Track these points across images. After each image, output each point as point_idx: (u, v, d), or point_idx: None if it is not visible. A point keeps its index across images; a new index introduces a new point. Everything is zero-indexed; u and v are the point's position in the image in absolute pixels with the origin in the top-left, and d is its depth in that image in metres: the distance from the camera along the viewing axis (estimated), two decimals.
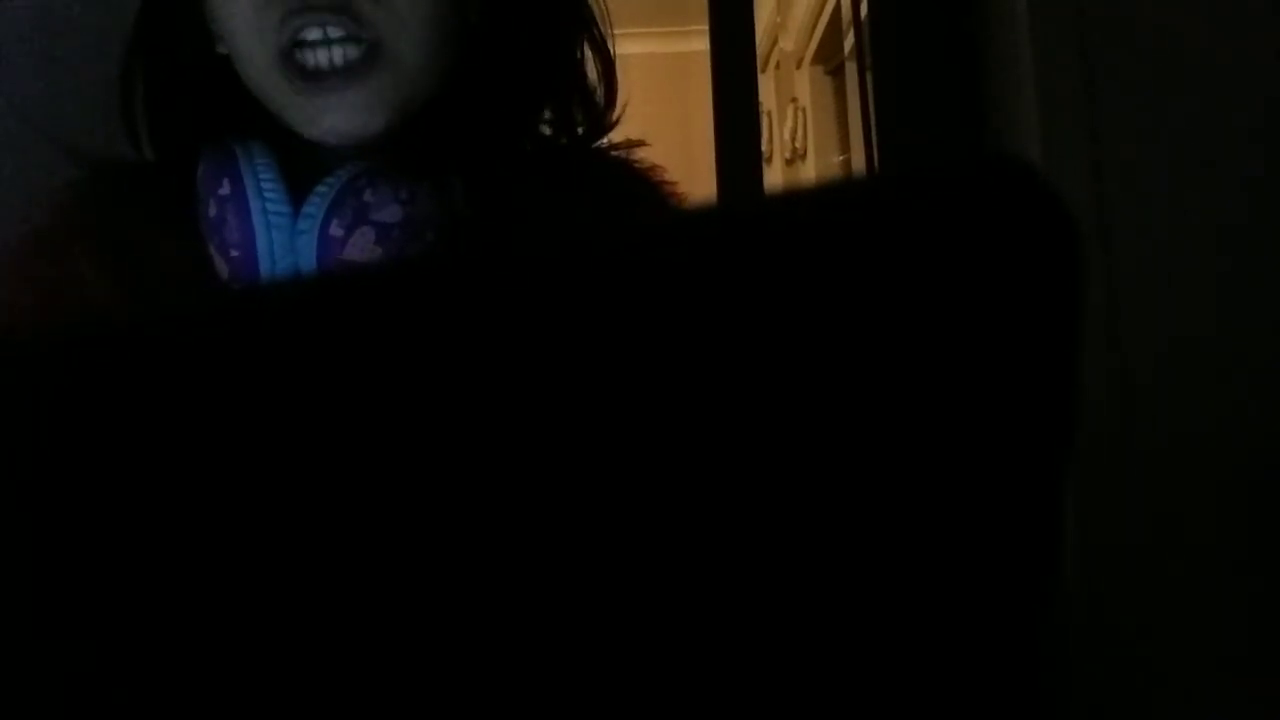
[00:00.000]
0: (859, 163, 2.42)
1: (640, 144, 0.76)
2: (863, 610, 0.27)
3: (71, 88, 1.04)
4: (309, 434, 0.23)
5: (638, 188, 0.74)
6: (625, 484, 0.24)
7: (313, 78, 0.63)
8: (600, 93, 0.73)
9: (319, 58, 0.63)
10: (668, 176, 0.75)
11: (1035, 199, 0.27)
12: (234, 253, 0.63)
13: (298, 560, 0.23)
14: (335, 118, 0.64)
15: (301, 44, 0.63)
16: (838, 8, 2.69)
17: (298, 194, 0.65)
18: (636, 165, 0.74)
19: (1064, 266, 0.27)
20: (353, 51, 0.63)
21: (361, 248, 0.62)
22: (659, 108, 4.38)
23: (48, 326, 0.25)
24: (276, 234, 0.63)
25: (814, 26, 3.06)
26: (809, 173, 3.36)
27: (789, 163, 3.48)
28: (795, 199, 0.29)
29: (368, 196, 0.63)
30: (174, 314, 0.24)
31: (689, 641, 0.25)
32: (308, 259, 0.63)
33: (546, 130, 0.73)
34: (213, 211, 0.64)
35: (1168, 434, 1.09)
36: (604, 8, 0.74)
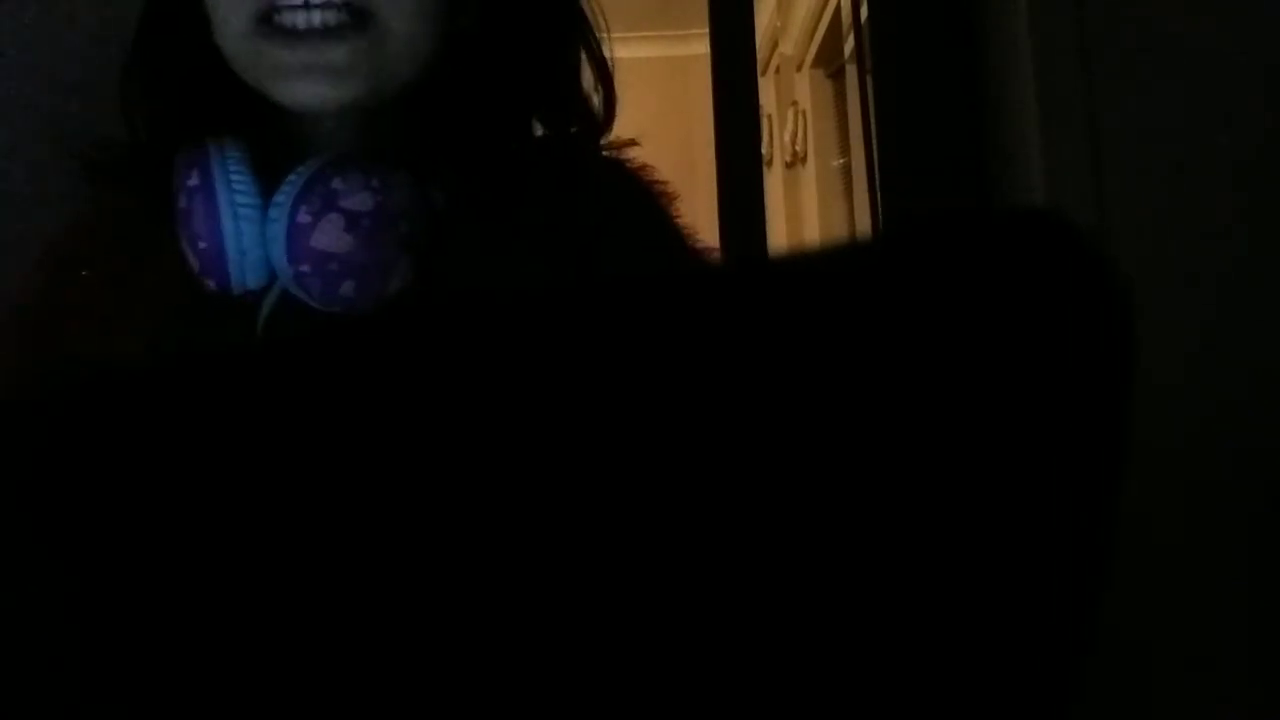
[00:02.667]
0: (859, 166, 2.42)
1: (632, 143, 0.76)
2: (912, 657, 0.26)
3: (72, 81, 1.04)
4: (315, 450, 0.23)
5: (629, 187, 0.73)
6: (681, 526, 0.24)
7: (290, 35, 0.63)
8: (597, 98, 0.73)
9: (296, 19, 0.63)
10: (659, 177, 0.75)
11: (1079, 260, 0.26)
12: (201, 244, 0.63)
13: (303, 570, 0.23)
14: (312, 80, 0.64)
15: (279, 8, 0.63)
16: (838, 11, 2.69)
17: (275, 186, 0.64)
18: (629, 166, 0.74)
19: (1107, 328, 0.26)
20: (333, 16, 0.63)
21: (330, 234, 0.62)
22: (659, 111, 4.39)
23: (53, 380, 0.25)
24: (245, 225, 0.63)
25: (814, 30, 3.07)
26: (809, 176, 3.36)
27: (789, 166, 3.48)
28: (836, 254, 0.28)
29: (336, 184, 0.62)
30: (179, 362, 0.24)
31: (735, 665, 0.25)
32: (279, 248, 0.62)
33: (541, 132, 0.73)
34: (182, 203, 0.64)
35: (1167, 433, 1.09)
36: (600, 14, 0.74)
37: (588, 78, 0.74)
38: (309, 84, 0.64)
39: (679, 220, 0.73)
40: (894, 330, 0.25)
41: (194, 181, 0.63)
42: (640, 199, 0.73)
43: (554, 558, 0.24)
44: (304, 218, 0.62)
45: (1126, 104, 1.16)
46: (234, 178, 0.63)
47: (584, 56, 0.73)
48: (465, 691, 0.24)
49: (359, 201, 0.62)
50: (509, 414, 0.24)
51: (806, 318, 0.25)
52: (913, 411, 0.25)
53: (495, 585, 0.24)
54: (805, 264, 0.27)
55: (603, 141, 0.74)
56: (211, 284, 0.64)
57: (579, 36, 0.73)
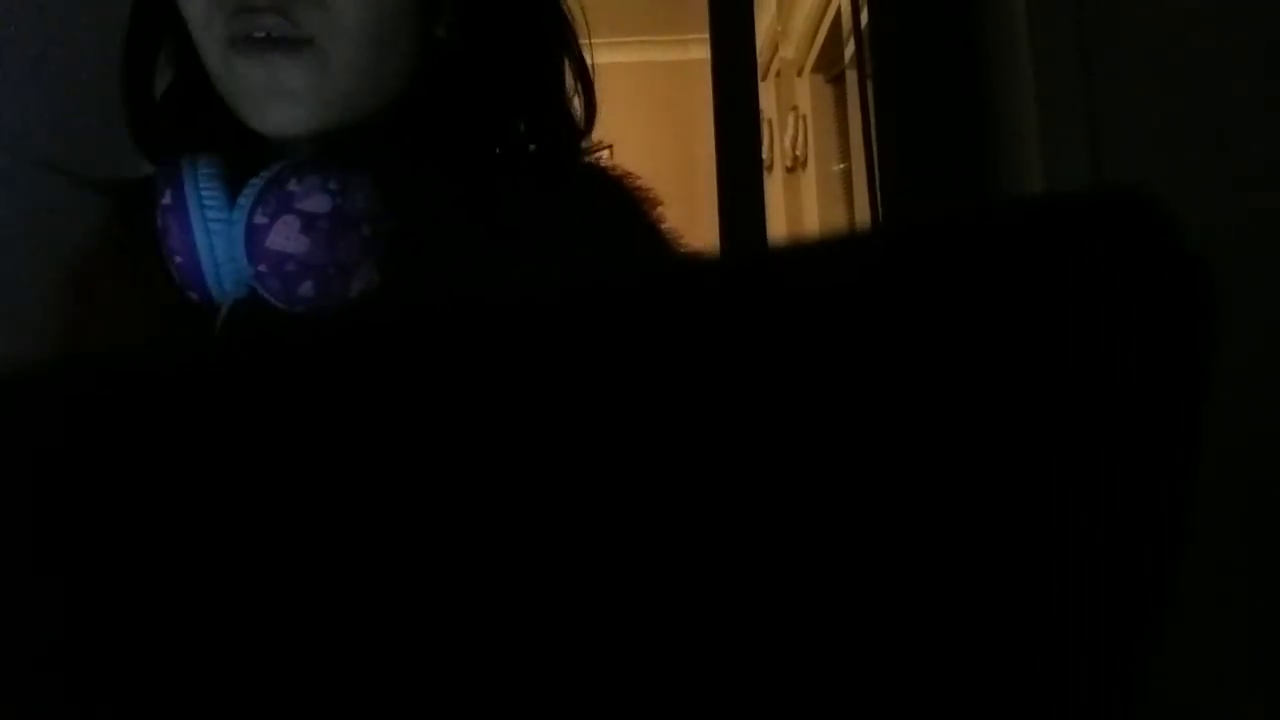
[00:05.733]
0: (859, 170, 2.43)
1: (607, 147, 0.76)
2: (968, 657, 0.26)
3: (71, 95, 1.05)
4: (315, 448, 0.23)
5: (610, 192, 0.73)
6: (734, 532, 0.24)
7: (253, 48, 0.65)
8: (578, 106, 0.74)
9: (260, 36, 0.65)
10: (641, 181, 0.75)
11: (1156, 237, 0.25)
12: (178, 259, 0.65)
13: (305, 570, 0.23)
14: (276, 106, 0.66)
15: (246, 36, 0.65)
16: (838, 16, 2.70)
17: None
18: (610, 171, 0.74)
19: (1185, 308, 0.26)
20: (287, 45, 0.65)
21: (285, 235, 0.63)
22: (660, 115, 4.39)
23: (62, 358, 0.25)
24: (218, 240, 0.65)
25: (814, 35, 3.07)
26: (809, 181, 3.37)
27: (789, 171, 3.49)
28: (910, 231, 0.27)
29: (292, 186, 0.64)
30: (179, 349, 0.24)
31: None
32: (239, 248, 0.64)
33: (525, 141, 0.73)
34: (159, 221, 0.66)
35: None
36: (582, 20, 0.74)
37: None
38: (275, 109, 0.66)
39: (661, 224, 0.73)
40: (961, 313, 0.24)
41: (167, 200, 0.65)
42: (621, 203, 0.73)
43: (550, 558, 0.24)
44: (260, 219, 0.64)
45: (1126, 104, 1.16)
46: (205, 194, 0.65)
47: (565, 61, 0.74)
48: (465, 692, 0.24)
49: (315, 203, 0.64)
50: (506, 411, 0.23)
51: (867, 299, 0.24)
52: (985, 396, 0.25)
53: (490, 586, 0.24)
54: (865, 242, 0.27)
55: (583, 145, 0.74)
56: (194, 296, 0.66)
57: (560, 41, 0.73)
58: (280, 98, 0.65)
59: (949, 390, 0.25)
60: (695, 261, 0.26)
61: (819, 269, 0.25)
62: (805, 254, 0.26)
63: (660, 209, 0.73)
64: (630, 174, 0.75)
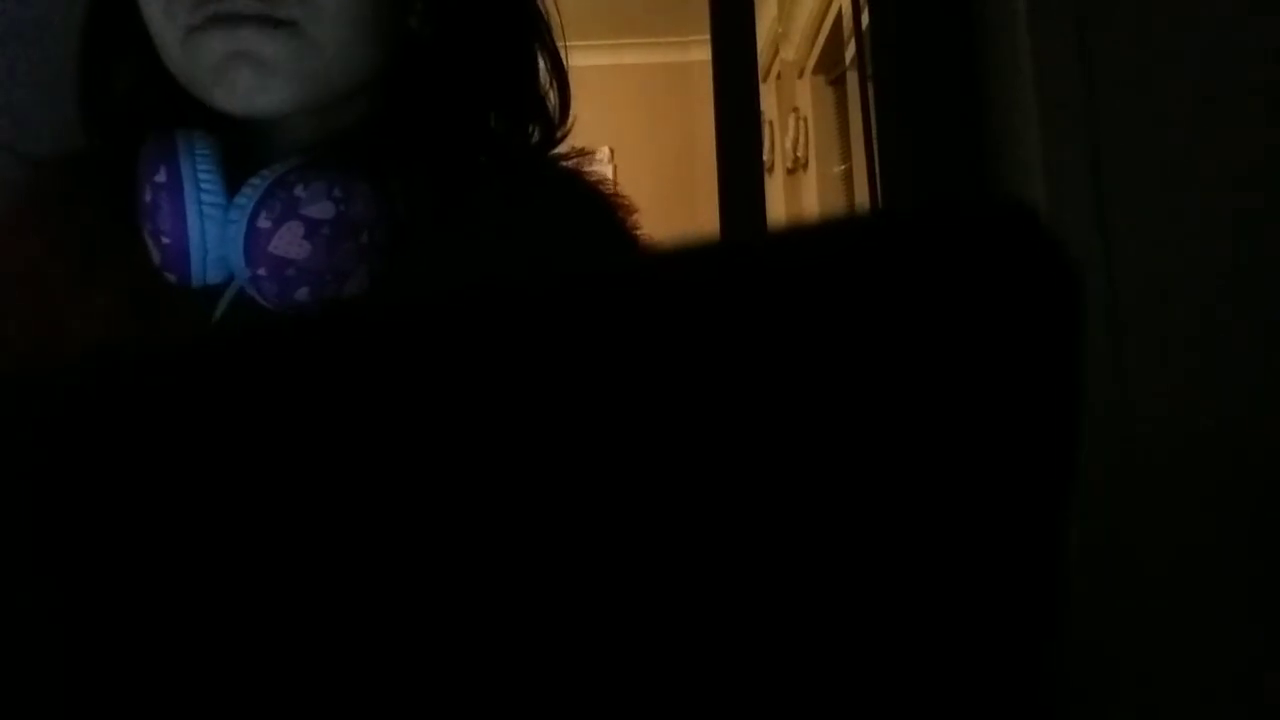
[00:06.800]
0: (860, 172, 2.43)
1: (589, 153, 0.75)
2: (863, 648, 0.26)
3: (34, 81, 1.05)
4: (311, 447, 0.23)
5: (585, 199, 0.72)
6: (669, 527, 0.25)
7: (222, 22, 0.62)
8: (553, 102, 0.73)
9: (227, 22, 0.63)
10: (617, 190, 0.74)
11: (1035, 244, 0.26)
12: (165, 240, 0.63)
13: (303, 569, 0.24)
14: (242, 76, 0.63)
15: (204, 26, 0.63)
16: (839, 18, 2.70)
17: (240, 183, 0.64)
18: (586, 177, 0.73)
19: (1061, 314, 0.27)
20: (265, 25, 0.63)
21: (289, 241, 0.62)
22: (661, 117, 4.39)
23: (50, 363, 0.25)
24: (209, 224, 0.63)
25: (815, 36, 3.08)
26: (810, 182, 3.37)
27: (790, 172, 3.49)
28: (795, 235, 0.28)
29: (299, 191, 0.62)
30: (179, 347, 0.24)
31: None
32: (236, 250, 0.63)
33: (501, 139, 0.72)
34: (148, 197, 0.64)
35: (1168, 433, 1.09)
36: (557, 18, 0.73)
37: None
38: (240, 79, 0.63)
39: (636, 232, 0.72)
40: (850, 318, 0.25)
41: (161, 178, 0.64)
42: (594, 209, 0.72)
43: (541, 554, 0.24)
44: (264, 223, 0.62)
45: (1126, 104, 1.16)
46: (201, 176, 0.64)
47: (542, 57, 0.73)
48: (459, 691, 0.24)
49: (321, 210, 0.62)
50: (498, 409, 0.24)
51: (772, 304, 0.25)
52: (868, 400, 0.25)
53: (483, 584, 0.24)
54: (770, 250, 0.27)
55: (560, 150, 0.73)
56: (173, 278, 0.65)
57: (532, 33, 0.72)
58: (246, 66, 0.63)
59: (830, 393, 0.25)
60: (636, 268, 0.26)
61: (714, 280, 0.25)
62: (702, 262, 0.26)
63: (635, 216, 0.73)
64: (605, 180, 0.74)
